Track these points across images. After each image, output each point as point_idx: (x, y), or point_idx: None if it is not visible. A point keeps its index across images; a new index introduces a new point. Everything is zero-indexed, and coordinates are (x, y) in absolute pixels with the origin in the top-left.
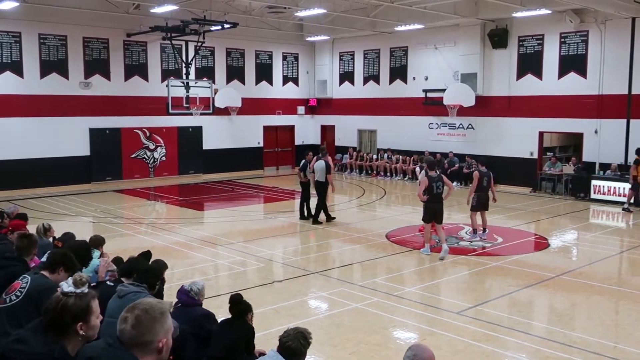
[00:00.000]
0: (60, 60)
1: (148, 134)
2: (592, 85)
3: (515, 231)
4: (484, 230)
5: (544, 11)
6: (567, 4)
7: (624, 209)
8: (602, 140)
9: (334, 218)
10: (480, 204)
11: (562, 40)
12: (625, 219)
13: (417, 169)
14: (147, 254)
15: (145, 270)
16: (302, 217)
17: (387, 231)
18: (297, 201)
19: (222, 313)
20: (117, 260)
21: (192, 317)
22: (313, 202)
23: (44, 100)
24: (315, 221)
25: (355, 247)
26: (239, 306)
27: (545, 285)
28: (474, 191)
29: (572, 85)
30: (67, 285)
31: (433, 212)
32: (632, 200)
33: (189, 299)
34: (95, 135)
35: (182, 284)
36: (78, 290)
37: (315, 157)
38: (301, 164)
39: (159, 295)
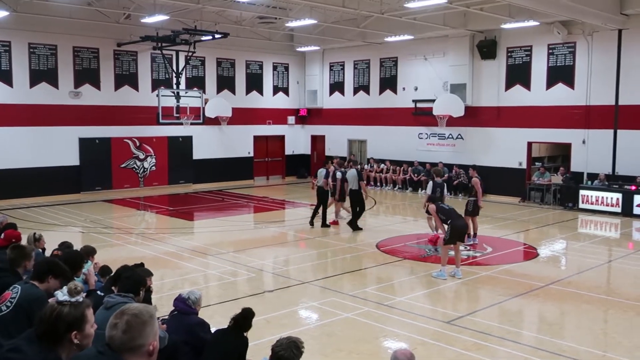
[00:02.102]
0: (50, 69)
1: (138, 144)
2: (579, 96)
3: (505, 241)
4: (475, 235)
5: (532, 23)
6: (555, 15)
7: None
8: (590, 150)
9: (329, 226)
10: (477, 210)
11: (550, 51)
12: (613, 229)
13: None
14: (139, 266)
15: (127, 277)
16: (324, 224)
17: (378, 241)
18: (290, 211)
19: (213, 323)
20: (103, 269)
21: (188, 325)
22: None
23: (34, 110)
24: (356, 227)
25: (345, 257)
26: (246, 321)
27: (535, 294)
28: (472, 197)
29: (560, 96)
30: (62, 294)
31: (459, 232)
32: None
33: (186, 307)
34: (85, 144)
35: (176, 293)
36: (73, 299)
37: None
38: (324, 173)
39: (146, 302)
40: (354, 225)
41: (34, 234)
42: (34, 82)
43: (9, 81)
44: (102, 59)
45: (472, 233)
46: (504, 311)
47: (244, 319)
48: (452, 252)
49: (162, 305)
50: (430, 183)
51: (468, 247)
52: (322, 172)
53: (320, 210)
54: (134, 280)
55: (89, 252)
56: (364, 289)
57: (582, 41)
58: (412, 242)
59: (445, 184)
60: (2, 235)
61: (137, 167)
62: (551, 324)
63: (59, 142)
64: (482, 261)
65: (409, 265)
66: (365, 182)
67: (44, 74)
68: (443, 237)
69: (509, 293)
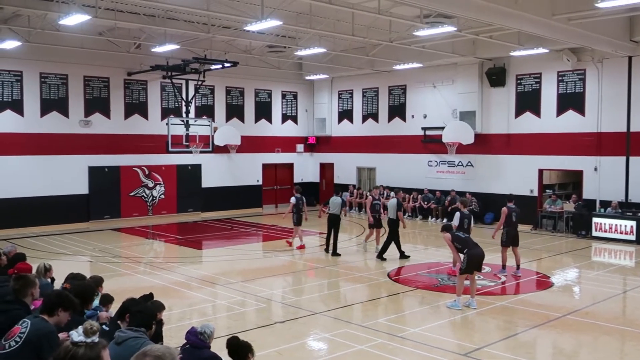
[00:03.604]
0: (61, 98)
1: (147, 172)
2: (590, 123)
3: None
4: (518, 267)
5: (541, 50)
6: (564, 43)
7: None
8: (602, 177)
9: (409, 257)
10: (510, 239)
11: (560, 78)
12: (628, 257)
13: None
14: (149, 297)
15: (138, 310)
16: (334, 253)
17: (389, 270)
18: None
19: (223, 356)
20: (105, 298)
21: (200, 359)
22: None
23: (44, 139)
24: (381, 257)
25: (357, 287)
26: (238, 350)
27: (552, 325)
28: (503, 227)
29: (571, 123)
30: (77, 335)
31: (477, 261)
32: None
33: (199, 341)
34: (94, 173)
35: (184, 324)
36: (88, 340)
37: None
38: (339, 202)
39: (158, 336)
40: (380, 253)
41: (44, 264)
42: (44, 111)
43: (20, 110)
44: (112, 88)
45: (503, 264)
46: (521, 343)
47: (232, 348)
48: (467, 282)
49: (171, 336)
50: (458, 213)
51: (506, 273)
52: (336, 200)
53: (331, 238)
54: (145, 314)
55: (97, 283)
56: (376, 319)
57: (591, 68)
58: (424, 271)
59: (472, 216)
60: (13, 267)
61: (146, 196)
62: (569, 356)
63: (69, 171)
64: (496, 291)
65: (422, 295)
66: (402, 212)
67: (54, 103)
68: (459, 266)
69: (526, 324)
